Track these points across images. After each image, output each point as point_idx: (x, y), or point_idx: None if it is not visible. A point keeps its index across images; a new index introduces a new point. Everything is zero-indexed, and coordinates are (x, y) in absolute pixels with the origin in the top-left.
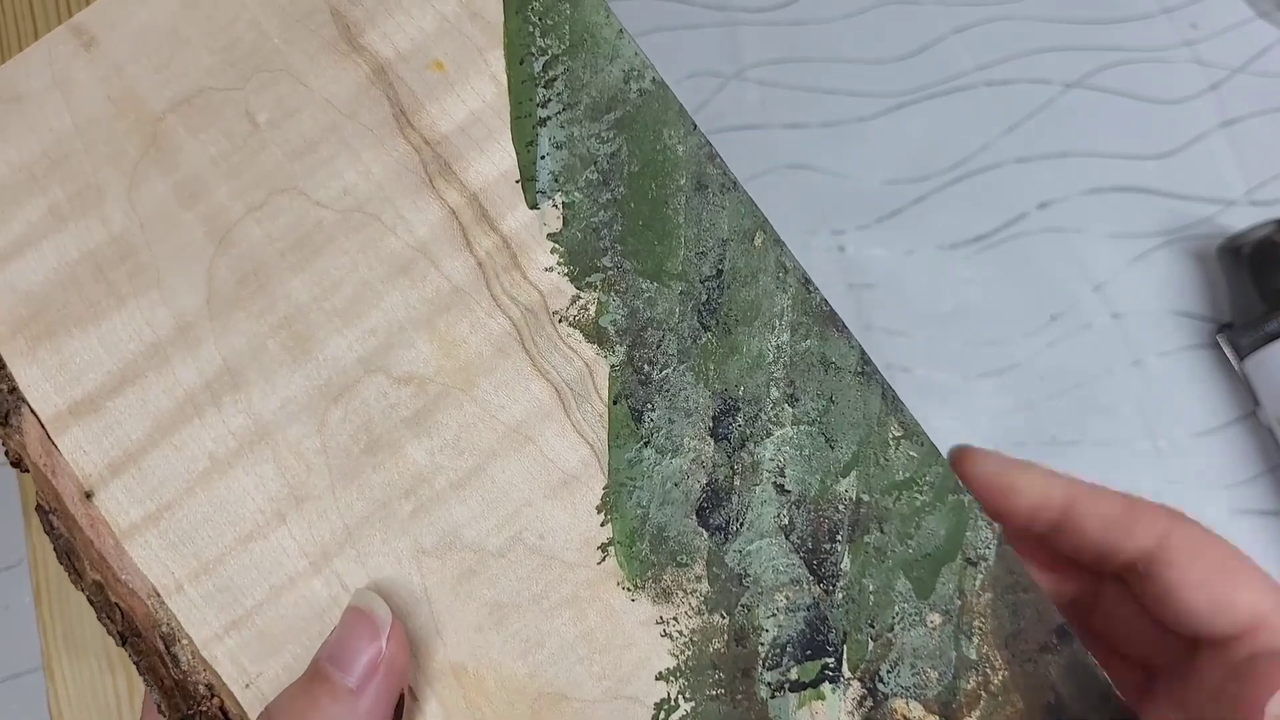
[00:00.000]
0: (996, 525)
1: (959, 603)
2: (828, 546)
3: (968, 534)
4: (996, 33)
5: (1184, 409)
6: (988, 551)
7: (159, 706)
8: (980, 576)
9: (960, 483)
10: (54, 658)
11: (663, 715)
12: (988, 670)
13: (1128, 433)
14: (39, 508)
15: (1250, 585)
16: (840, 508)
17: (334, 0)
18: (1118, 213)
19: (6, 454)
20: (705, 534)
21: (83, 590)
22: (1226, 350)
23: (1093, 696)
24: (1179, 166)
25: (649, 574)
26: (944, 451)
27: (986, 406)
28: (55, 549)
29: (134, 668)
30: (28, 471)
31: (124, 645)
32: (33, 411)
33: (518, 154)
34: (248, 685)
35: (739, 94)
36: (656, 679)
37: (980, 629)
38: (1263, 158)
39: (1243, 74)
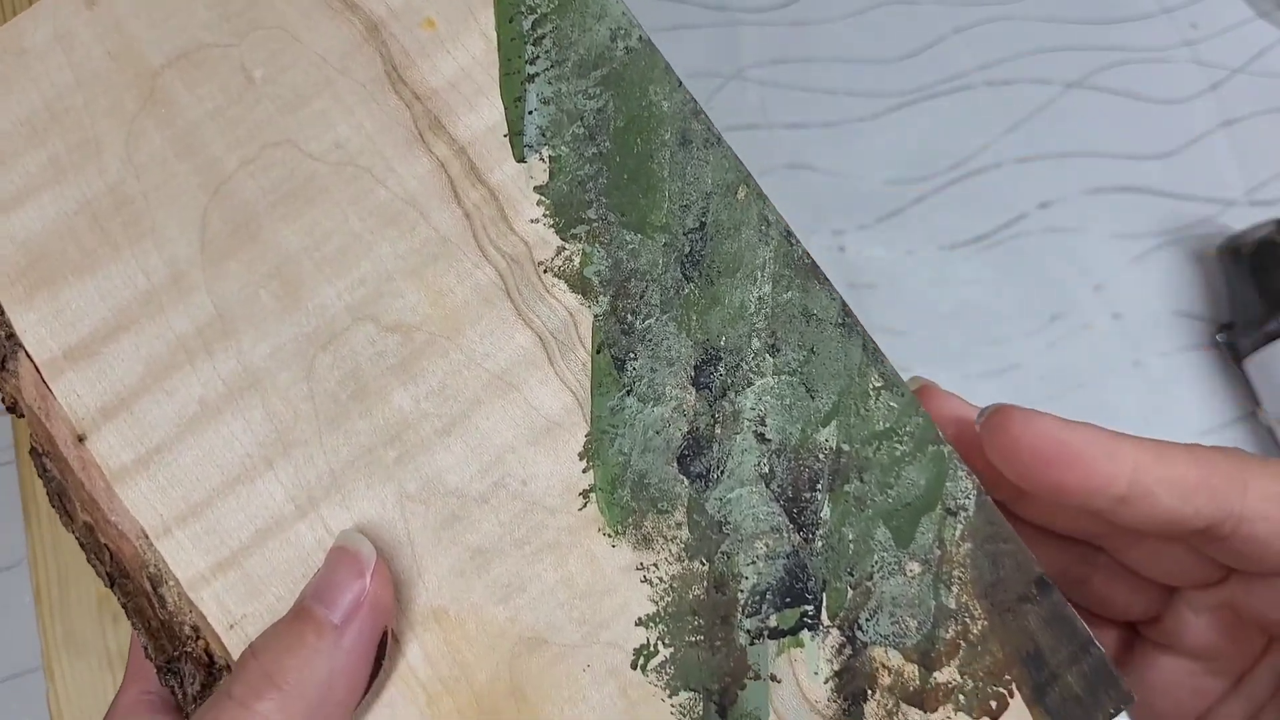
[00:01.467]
0: (975, 477)
1: (938, 552)
2: (808, 495)
3: (947, 484)
4: (996, 33)
5: (1184, 409)
6: (967, 502)
7: (146, 650)
8: (960, 526)
9: (941, 434)
10: (54, 658)
11: (641, 660)
12: (967, 620)
13: (1128, 433)
14: (32, 450)
15: None
16: (820, 457)
17: None
18: (1118, 213)
19: (2, 399)
20: (686, 481)
21: (73, 533)
22: (1226, 350)
23: (1072, 647)
24: (1179, 166)
25: (630, 520)
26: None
27: None
28: (48, 492)
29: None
30: (23, 416)
31: (112, 587)
32: (29, 356)
33: (506, 109)
34: (232, 626)
35: (739, 94)
36: (636, 624)
37: (960, 578)
38: (1263, 158)
39: (1243, 74)
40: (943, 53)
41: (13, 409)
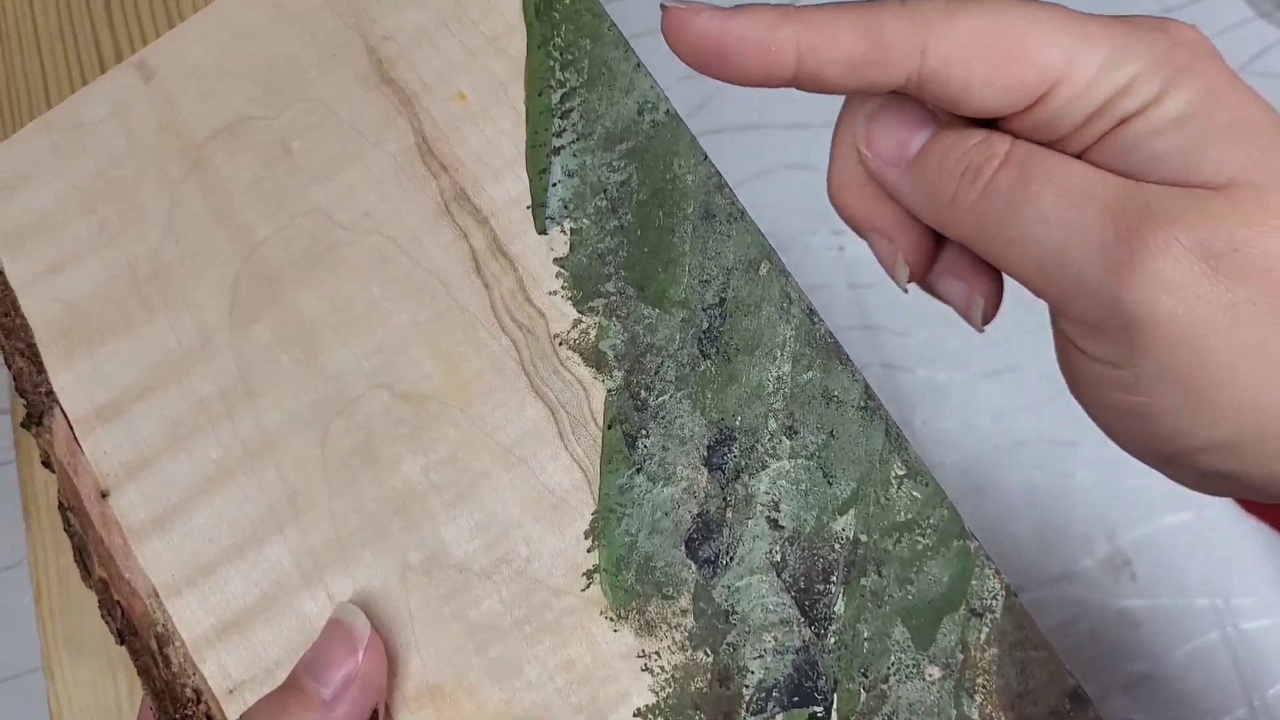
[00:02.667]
0: (1004, 576)
1: (961, 657)
2: (821, 587)
3: (973, 583)
4: None
5: None
6: (995, 603)
7: (154, 712)
8: (986, 629)
9: (966, 527)
10: (54, 658)
11: None
12: None
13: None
14: (60, 505)
15: (1038, 40)
16: (836, 547)
17: (369, 37)
18: None
19: (40, 453)
20: (693, 566)
21: (90, 587)
22: None
23: None
24: None
25: (633, 604)
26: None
27: (986, 406)
28: (72, 546)
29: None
30: (54, 471)
31: (122, 643)
32: (64, 413)
33: (531, 181)
34: (231, 691)
35: (739, 94)
36: (635, 715)
37: (984, 687)
38: None
39: (1243, 74)
40: None
41: (46, 463)
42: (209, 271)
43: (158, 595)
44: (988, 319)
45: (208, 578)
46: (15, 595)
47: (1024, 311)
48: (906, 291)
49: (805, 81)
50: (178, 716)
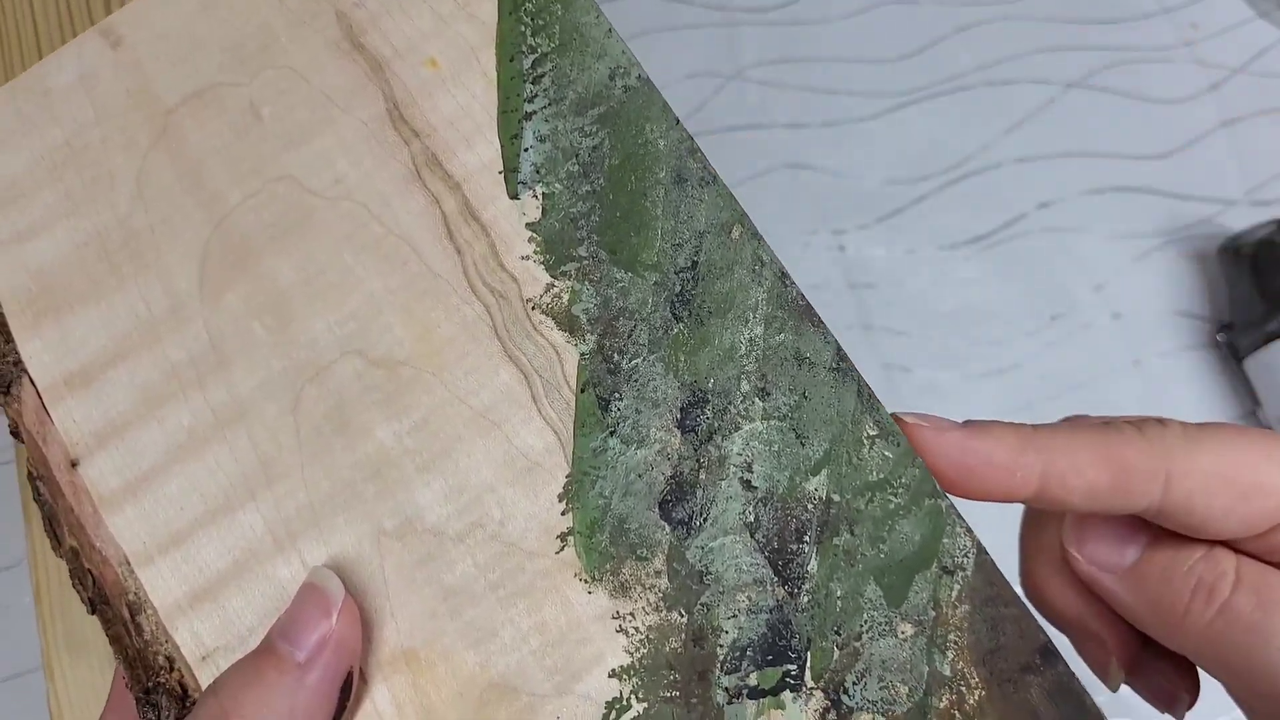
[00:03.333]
0: (975, 534)
1: (933, 614)
2: (794, 547)
3: (944, 541)
4: (996, 33)
5: (1184, 409)
6: (966, 560)
7: (126, 680)
8: (957, 587)
9: (938, 486)
10: (54, 658)
11: (614, 715)
12: (962, 688)
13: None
14: (29, 474)
15: (1277, 473)
16: (809, 507)
17: (339, 3)
18: (1118, 213)
19: (8, 423)
20: (667, 528)
21: (61, 556)
22: (1226, 350)
23: None
24: (1179, 166)
25: (607, 566)
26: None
27: (986, 406)
28: (42, 516)
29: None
30: (23, 441)
31: (94, 612)
32: (32, 382)
33: (502, 146)
34: (204, 658)
35: (739, 94)
36: (609, 676)
37: (956, 643)
38: (1263, 158)
39: (1243, 74)
40: (943, 53)
41: (15, 433)
42: (179, 239)
43: (129, 563)
44: (1188, 710)
45: (180, 545)
46: (15, 595)
47: (1023, 311)
48: (1115, 691)
49: (1045, 504)
50: (150, 684)
